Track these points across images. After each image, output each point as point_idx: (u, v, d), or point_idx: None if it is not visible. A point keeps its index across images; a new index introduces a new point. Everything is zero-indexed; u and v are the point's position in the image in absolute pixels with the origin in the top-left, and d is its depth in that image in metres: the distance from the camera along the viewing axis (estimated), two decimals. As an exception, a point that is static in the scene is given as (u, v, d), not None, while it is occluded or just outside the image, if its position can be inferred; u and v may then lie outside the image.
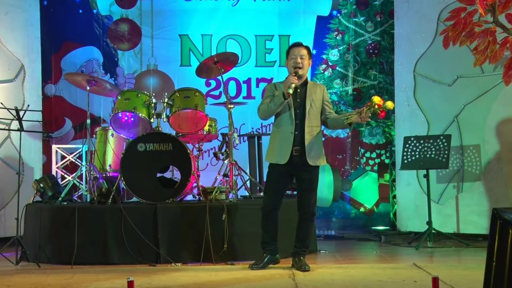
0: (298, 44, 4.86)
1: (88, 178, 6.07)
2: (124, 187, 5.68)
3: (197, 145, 6.26)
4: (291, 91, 4.57)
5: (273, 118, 4.89)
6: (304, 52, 4.79)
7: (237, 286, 4.21)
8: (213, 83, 7.80)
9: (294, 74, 4.69)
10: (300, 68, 4.73)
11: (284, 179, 4.85)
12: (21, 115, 5.43)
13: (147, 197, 5.51)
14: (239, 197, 5.99)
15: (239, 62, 6.53)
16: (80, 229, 5.24)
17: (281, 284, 4.24)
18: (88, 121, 5.99)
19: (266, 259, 4.82)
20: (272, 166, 4.84)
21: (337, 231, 7.48)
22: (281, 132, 4.78)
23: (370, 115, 4.53)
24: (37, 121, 6.17)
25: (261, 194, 5.90)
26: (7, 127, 6.23)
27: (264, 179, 5.64)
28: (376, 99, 4.47)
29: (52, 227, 5.43)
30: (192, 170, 5.56)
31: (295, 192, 5.48)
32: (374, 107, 4.46)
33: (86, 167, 6.12)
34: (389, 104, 4.48)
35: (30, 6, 7.25)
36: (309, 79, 7.62)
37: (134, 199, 5.75)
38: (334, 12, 7.91)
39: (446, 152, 6.29)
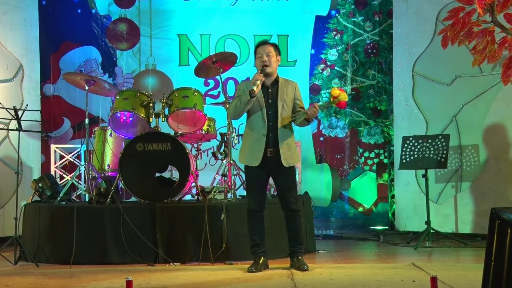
0: (263, 42, 4.86)
1: (86, 178, 6.07)
2: (123, 187, 5.68)
3: (195, 145, 6.26)
4: (255, 87, 4.55)
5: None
6: (269, 49, 4.76)
7: (235, 286, 4.20)
8: (211, 83, 7.80)
9: (260, 71, 4.69)
10: (267, 66, 4.72)
11: (261, 180, 4.81)
12: (19, 115, 5.43)
13: (146, 196, 5.51)
14: (237, 196, 5.99)
15: (237, 61, 6.53)
16: (78, 228, 5.24)
17: (280, 284, 4.23)
18: (87, 120, 5.99)
19: (261, 262, 4.76)
20: (247, 168, 4.83)
21: (336, 231, 7.47)
22: (254, 135, 4.76)
23: (320, 110, 4.76)
24: (36, 120, 6.17)
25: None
26: (5, 127, 6.22)
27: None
28: (334, 92, 4.63)
29: (50, 226, 5.43)
30: (191, 170, 5.55)
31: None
32: (330, 99, 4.61)
33: (84, 167, 6.12)
34: (343, 96, 4.62)
35: (28, 5, 7.24)
36: (308, 79, 7.78)
37: (133, 198, 5.76)
38: (333, 12, 7.89)
39: (445, 151, 6.29)
